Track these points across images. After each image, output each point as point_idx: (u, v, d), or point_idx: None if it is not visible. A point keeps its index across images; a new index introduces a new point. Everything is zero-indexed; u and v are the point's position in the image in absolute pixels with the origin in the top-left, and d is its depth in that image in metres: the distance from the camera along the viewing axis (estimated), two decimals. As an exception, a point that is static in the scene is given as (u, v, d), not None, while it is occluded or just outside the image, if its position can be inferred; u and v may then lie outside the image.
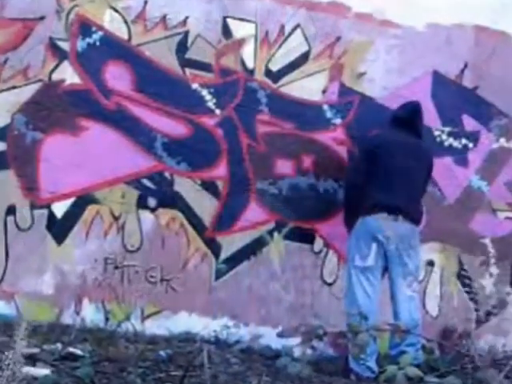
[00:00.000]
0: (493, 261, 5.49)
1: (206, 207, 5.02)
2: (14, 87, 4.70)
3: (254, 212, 5.08)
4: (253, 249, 5.08)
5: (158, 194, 4.95)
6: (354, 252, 4.63)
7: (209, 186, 5.02)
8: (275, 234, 5.11)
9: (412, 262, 4.62)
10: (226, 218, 5.05)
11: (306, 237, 5.16)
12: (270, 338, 4.91)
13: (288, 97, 5.15)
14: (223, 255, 5.03)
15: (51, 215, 4.78)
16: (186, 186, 4.99)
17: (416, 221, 4.70)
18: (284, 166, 5.12)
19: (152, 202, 4.95)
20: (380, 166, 4.64)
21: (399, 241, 4.55)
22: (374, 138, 4.86)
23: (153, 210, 4.94)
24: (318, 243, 5.17)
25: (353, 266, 4.62)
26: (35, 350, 3.68)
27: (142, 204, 4.93)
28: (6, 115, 4.69)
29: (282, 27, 5.15)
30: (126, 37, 4.92)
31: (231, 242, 5.05)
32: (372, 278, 4.57)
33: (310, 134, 5.17)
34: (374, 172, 4.64)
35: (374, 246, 4.56)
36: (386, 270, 4.66)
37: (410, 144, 4.77)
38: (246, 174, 5.08)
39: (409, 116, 4.85)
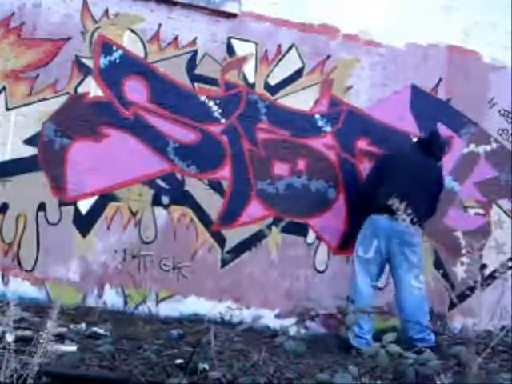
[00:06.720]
0: (464, 251, 5.48)
1: (212, 204, 5.01)
2: (45, 99, 4.71)
3: (254, 208, 5.07)
4: (253, 241, 5.08)
5: (170, 192, 4.94)
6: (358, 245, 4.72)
7: (215, 186, 5.02)
8: (273, 228, 5.10)
9: (416, 257, 4.58)
10: (230, 214, 5.04)
11: (300, 230, 5.14)
12: (268, 319, 4.91)
13: (284, 107, 5.15)
14: (227, 246, 5.03)
15: (77, 211, 4.77)
16: (195, 186, 4.99)
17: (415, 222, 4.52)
18: (281, 168, 5.12)
19: (165, 199, 4.93)
20: (387, 177, 4.70)
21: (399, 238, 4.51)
22: (385, 156, 4.99)
23: (166, 207, 4.93)
24: (311, 236, 5.16)
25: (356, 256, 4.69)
26: (63, 330, 3.70)
27: (156, 201, 4.91)
28: (38, 124, 4.69)
29: (279, 46, 5.15)
30: (142, 55, 4.92)
31: (234, 235, 5.05)
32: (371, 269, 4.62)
33: (304, 140, 5.17)
34: (382, 181, 4.70)
35: (375, 241, 4.59)
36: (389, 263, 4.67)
37: (419, 161, 4.81)
38: (247, 175, 5.07)
39: (427, 140, 4.93)
